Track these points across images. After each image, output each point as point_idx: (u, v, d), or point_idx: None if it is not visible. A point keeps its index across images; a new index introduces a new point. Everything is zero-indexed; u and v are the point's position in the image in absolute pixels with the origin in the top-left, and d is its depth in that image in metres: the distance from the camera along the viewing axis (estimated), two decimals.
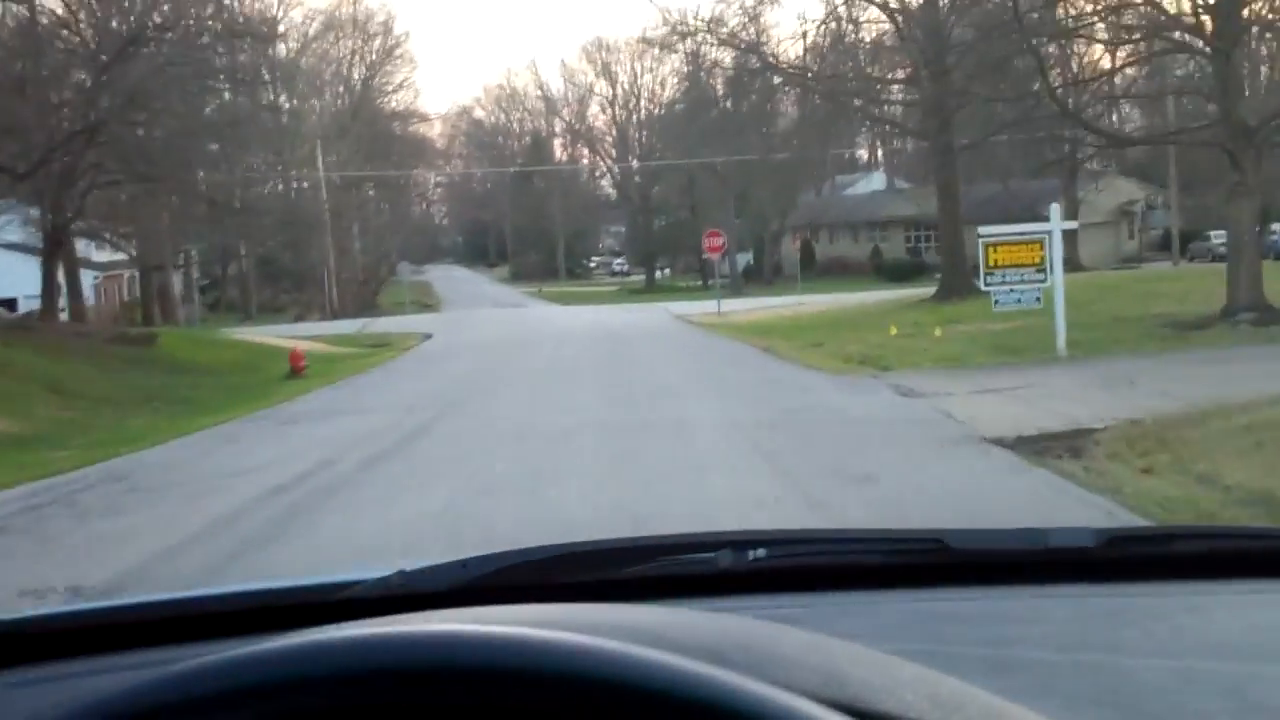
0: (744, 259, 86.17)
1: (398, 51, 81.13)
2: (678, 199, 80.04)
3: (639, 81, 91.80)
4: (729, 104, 71.55)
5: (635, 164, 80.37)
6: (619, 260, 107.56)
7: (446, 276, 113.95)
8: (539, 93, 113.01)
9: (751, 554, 1.70)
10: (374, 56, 77.56)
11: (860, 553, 1.80)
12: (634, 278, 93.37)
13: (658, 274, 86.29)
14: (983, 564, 1.75)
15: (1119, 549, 1.74)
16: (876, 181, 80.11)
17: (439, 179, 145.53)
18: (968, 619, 1.57)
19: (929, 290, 43.77)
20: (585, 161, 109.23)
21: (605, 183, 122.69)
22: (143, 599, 1.86)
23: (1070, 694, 1.02)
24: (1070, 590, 1.69)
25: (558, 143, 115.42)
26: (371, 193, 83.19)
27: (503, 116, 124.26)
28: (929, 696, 0.82)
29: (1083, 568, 1.71)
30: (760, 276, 68.13)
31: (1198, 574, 1.71)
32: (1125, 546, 1.77)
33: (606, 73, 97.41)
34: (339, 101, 72.23)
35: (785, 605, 1.61)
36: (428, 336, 39.49)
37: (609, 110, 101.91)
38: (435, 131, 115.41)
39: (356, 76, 73.99)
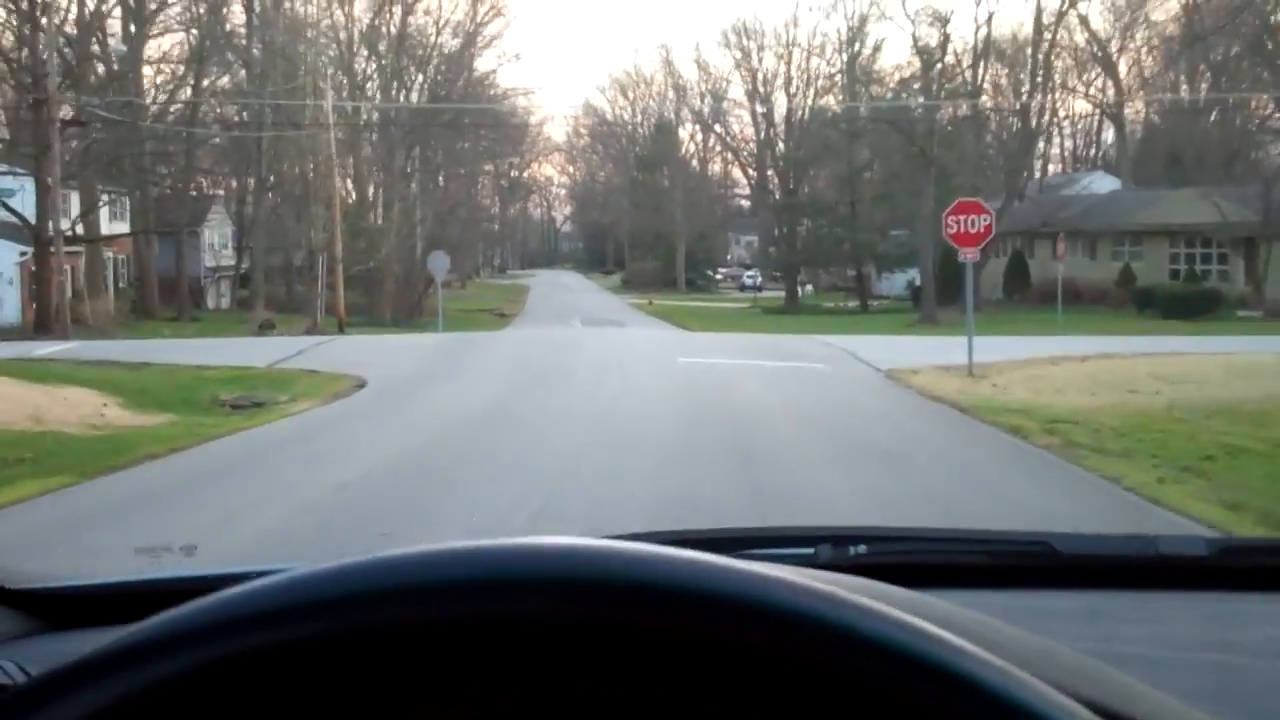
0: (901, 279, 62.92)
1: None
2: (835, 193, 57.07)
3: (790, 65, 69.12)
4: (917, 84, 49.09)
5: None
6: (750, 273, 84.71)
7: (552, 281, 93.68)
8: (668, 79, 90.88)
9: (852, 550, 1.57)
10: None
11: (964, 552, 1.66)
12: (768, 294, 70.89)
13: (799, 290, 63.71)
14: (1089, 568, 1.61)
15: (1232, 559, 1.62)
16: (1103, 183, 56.29)
17: (560, 179, 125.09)
18: (1075, 616, 1.46)
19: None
20: (715, 145, 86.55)
21: (739, 191, 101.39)
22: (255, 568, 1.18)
23: (1186, 690, 0.90)
24: (1181, 595, 1.57)
25: (685, 135, 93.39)
26: (464, 175, 61.64)
27: (627, 109, 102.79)
28: (1070, 668, 0.74)
29: (1193, 576, 1.59)
30: (955, 300, 44.43)
31: None
32: (1238, 557, 1.65)
33: (746, 62, 74.91)
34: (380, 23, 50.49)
35: None
36: (359, 387, 17.50)
37: (750, 101, 79.62)
38: (559, 130, 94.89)
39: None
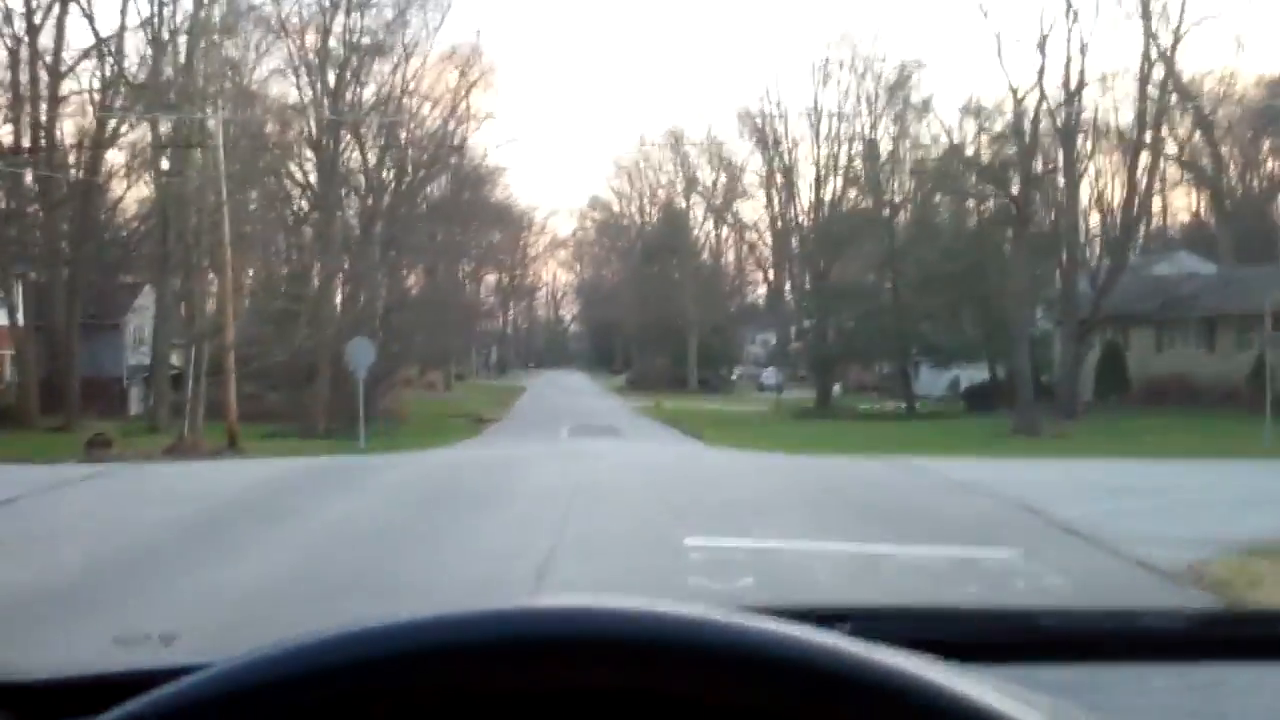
0: (951, 375, 52.23)
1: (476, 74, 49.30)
2: (875, 277, 46.64)
3: (819, 132, 59.73)
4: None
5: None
6: (768, 371, 74.24)
7: (553, 382, 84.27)
8: (677, 164, 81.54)
9: (836, 627, 1.44)
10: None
11: (948, 629, 1.61)
12: (790, 395, 60.32)
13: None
14: (1074, 643, 1.57)
15: (1214, 630, 1.61)
16: (1188, 264, 45.84)
17: (566, 278, 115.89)
18: (1064, 688, 1.32)
19: None
20: (728, 236, 76.89)
21: (752, 282, 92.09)
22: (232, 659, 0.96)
23: None
24: (1168, 667, 1.53)
25: (695, 223, 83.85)
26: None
27: (634, 199, 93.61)
28: (1049, 710, 0.76)
29: (1178, 648, 1.56)
30: (1053, 402, 33.13)
31: None
32: (1220, 629, 1.64)
33: (768, 139, 65.65)
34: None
35: None
36: None
37: (768, 180, 70.20)
38: (565, 225, 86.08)
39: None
